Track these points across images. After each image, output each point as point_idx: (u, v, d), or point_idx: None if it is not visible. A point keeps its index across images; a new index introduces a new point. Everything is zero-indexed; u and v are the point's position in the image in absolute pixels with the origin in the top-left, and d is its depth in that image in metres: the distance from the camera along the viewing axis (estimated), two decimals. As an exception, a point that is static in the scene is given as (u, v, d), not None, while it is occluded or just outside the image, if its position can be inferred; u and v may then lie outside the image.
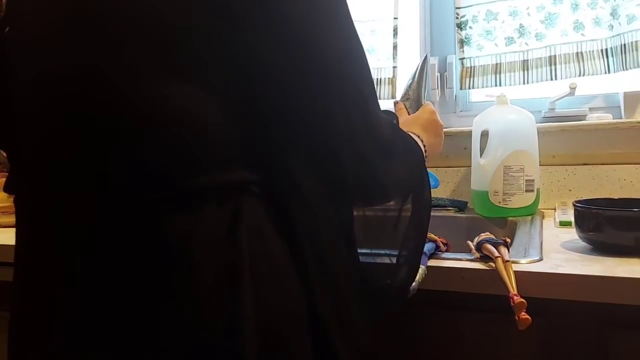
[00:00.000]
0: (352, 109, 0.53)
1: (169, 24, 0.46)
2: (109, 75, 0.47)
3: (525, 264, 0.72)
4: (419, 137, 0.74)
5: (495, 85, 1.23)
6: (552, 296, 0.68)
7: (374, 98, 0.57)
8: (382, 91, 1.34)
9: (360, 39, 0.55)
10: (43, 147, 0.52)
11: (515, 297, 0.64)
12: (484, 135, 1.11)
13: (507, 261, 0.70)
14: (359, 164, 0.55)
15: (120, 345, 0.48)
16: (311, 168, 0.52)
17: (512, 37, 1.21)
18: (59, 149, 0.50)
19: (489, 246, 0.75)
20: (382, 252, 0.68)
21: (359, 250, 0.61)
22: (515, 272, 0.68)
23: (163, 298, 0.47)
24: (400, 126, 0.73)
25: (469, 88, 1.27)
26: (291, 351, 0.49)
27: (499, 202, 1.07)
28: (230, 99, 0.48)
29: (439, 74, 1.31)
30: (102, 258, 0.48)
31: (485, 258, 0.74)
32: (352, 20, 0.54)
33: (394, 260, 0.68)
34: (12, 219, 1.11)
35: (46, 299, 0.52)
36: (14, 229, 0.58)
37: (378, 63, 1.34)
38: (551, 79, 1.18)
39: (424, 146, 0.75)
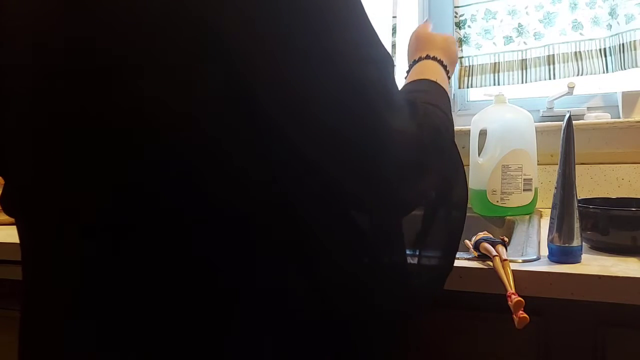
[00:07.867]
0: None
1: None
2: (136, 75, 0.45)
3: (522, 263, 0.72)
4: (442, 61, 0.73)
5: (494, 85, 1.23)
6: (549, 295, 0.68)
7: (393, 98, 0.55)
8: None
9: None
10: (49, 151, 0.50)
11: (513, 296, 0.64)
12: (482, 134, 1.11)
13: (505, 260, 0.70)
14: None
15: (130, 345, 0.48)
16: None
17: (510, 36, 1.21)
18: (75, 152, 0.49)
19: (487, 245, 0.75)
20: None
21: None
22: (513, 271, 0.68)
23: (172, 300, 0.47)
24: (421, 47, 0.75)
25: (467, 87, 1.27)
26: None
27: (497, 201, 1.06)
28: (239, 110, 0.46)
29: (437, 73, 1.31)
30: (115, 258, 0.48)
31: (483, 257, 0.74)
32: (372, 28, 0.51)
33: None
34: (8, 217, 1.11)
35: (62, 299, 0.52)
36: (10, 227, 0.57)
37: (377, 62, 1.33)
38: (549, 78, 1.18)
39: (447, 69, 0.74)
